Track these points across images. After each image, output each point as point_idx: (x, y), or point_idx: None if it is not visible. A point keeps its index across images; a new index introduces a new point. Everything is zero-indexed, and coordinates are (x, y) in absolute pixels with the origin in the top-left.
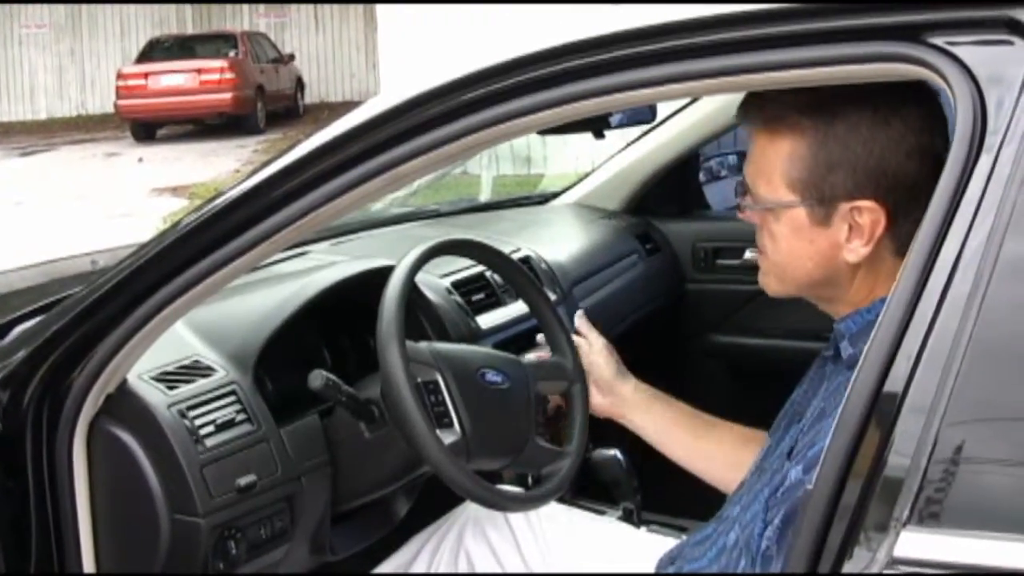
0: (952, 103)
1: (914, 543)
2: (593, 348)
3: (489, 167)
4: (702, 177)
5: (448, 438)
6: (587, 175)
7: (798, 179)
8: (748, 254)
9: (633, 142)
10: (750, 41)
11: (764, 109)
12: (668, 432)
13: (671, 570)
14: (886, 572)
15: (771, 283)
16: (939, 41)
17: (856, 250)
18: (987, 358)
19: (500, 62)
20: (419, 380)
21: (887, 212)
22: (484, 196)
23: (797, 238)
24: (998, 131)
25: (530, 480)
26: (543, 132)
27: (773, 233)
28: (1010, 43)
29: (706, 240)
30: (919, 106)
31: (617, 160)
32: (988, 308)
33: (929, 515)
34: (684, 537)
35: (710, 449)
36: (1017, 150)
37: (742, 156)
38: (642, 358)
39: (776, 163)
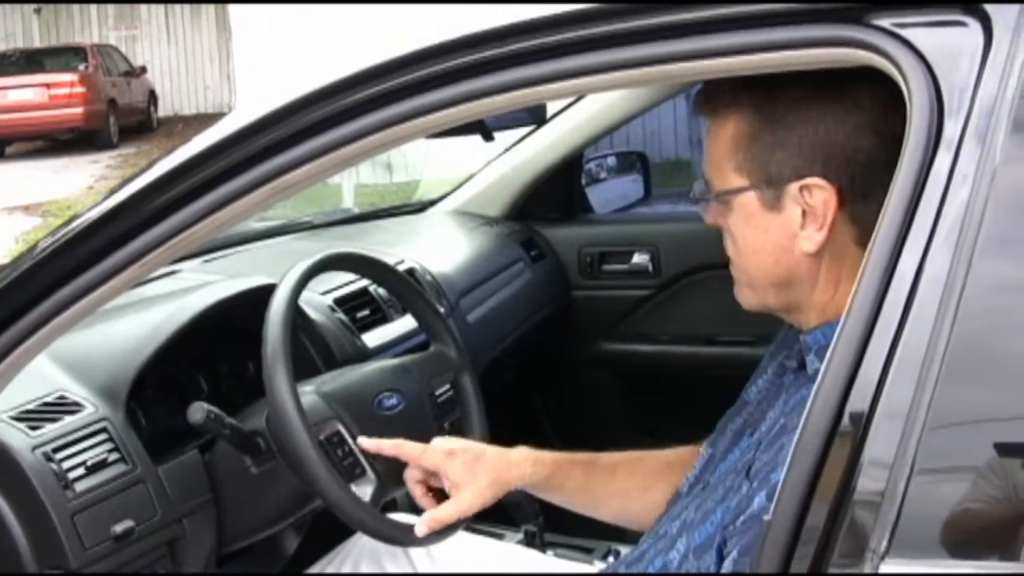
0: (906, 92)
1: None
2: (424, 457)
3: (349, 176)
4: (583, 180)
5: (366, 489)
6: (465, 181)
7: (743, 160)
8: (636, 258)
9: (512, 146)
10: (673, 27)
11: (708, 94)
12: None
13: None
14: None
15: (744, 293)
16: (886, 23)
17: (811, 237)
18: (969, 364)
19: (394, 58)
20: (321, 437)
21: (838, 190)
22: (348, 205)
23: (751, 227)
24: (957, 124)
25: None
26: (432, 136)
27: (730, 228)
28: (964, 24)
29: (592, 245)
30: (869, 82)
31: (496, 165)
32: (964, 314)
33: (912, 544)
34: (591, 558)
35: (623, 484)
36: (982, 146)
37: (620, 158)
38: (531, 369)
39: (723, 149)
